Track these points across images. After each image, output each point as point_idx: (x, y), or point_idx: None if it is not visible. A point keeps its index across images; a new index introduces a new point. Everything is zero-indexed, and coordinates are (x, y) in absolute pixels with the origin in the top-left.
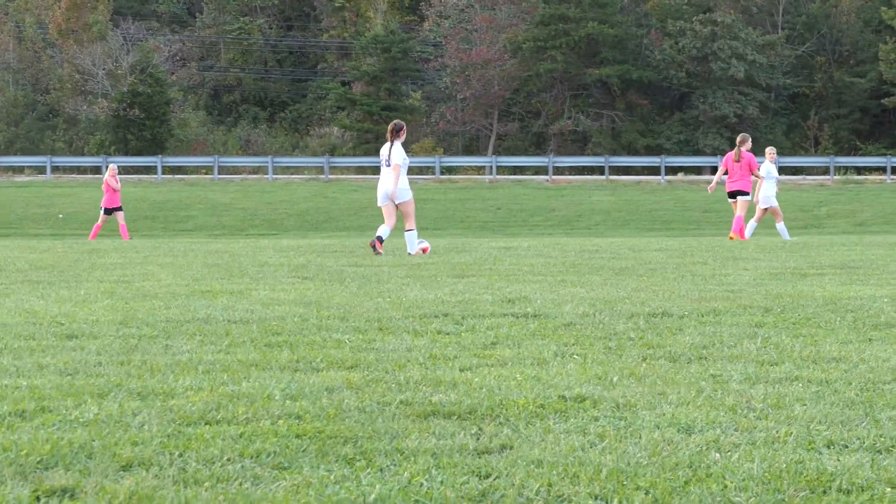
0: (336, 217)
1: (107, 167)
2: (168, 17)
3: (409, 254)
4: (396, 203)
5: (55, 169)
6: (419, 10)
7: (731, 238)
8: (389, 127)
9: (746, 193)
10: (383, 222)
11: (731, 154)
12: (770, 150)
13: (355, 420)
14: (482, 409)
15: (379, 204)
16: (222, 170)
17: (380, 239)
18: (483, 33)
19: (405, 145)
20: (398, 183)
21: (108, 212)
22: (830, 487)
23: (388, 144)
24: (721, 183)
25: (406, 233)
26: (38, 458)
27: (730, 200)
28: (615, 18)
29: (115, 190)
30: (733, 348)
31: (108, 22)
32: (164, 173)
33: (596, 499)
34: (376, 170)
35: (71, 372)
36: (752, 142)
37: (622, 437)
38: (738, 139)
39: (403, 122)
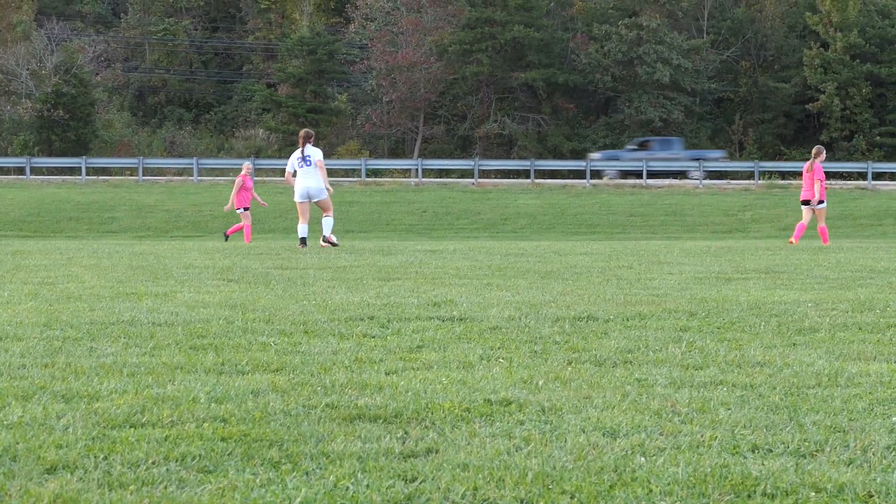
0: (262, 219)
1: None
2: (93, 17)
3: (324, 236)
4: (315, 201)
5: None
6: (345, 12)
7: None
8: (302, 133)
9: (820, 202)
10: (299, 221)
11: (807, 165)
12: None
13: (281, 423)
14: (408, 412)
15: (298, 200)
16: (147, 171)
17: (303, 241)
18: (409, 36)
19: (332, 147)
20: (319, 182)
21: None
22: (755, 492)
23: (300, 150)
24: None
25: (324, 218)
26: None
27: (802, 207)
28: (541, 22)
29: (247, 188)
30: (658, 352)
31: (32, 22)
32: (88, 174)
33: (521, 502)
34: None
35: None
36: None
37: (547, 441)
38: (814, 151)
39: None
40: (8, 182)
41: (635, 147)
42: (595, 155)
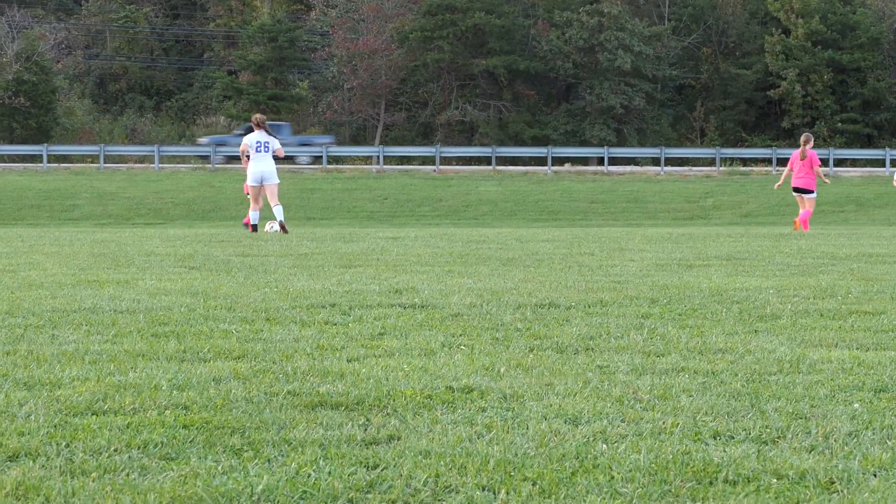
0: (223, 206)
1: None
2: (54, 4)
3: (279, 220)
4: (266, 185)
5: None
6: None
7: (795, 228)
8: (256, 118)
9: (811, 191)
10: (251, 207)
11: (798, 152)
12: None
13: (243, 410)
14: (370, 399)
15: (251, 183)
16: (108, 158)
17: (255, 227)
18: (370, 23)
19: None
20: (269, 166)
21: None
22: (717, 478)
23: (255, 133)
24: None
25: (274, 207)
26: None
27: (794, 195)
28: (502, 9)
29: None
30: (620, 339)
31: None
32: (49, 162)
33: (483, 490)
34: None
35: None
36: (638, 133)
37: (509, 428)
38: (803, 138)
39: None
40: None
41: (242, 133)
42: (203, 140)
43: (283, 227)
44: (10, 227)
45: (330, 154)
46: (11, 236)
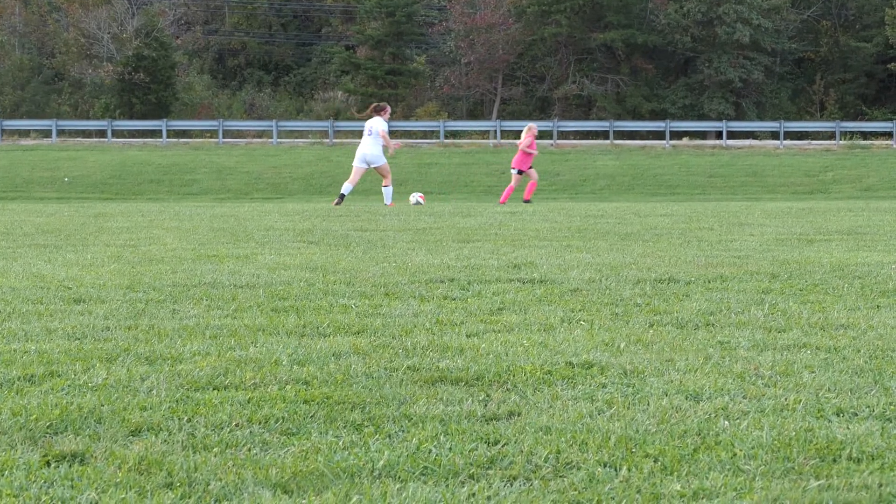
0: (340, 181)
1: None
2: None
3: (386, 205)
4: (373, 166)
5: (61, 133)
6: None
7: None
8: (372, 106)
9: None
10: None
11: None
12: None
13: (363, 386)
14: (489, 375)
15: (355, 164)
16: (227, 134)
17: (342, 197)
18: None
19: (410, 109)
20: (375, 149)
21: (521, 172)
22: (840, 456)
23: (372, 119)
24: None
25: (384, 188)
26: (48, 423)
27: None
28: None
29: (529, 152)
30: (741, 315)
31: None
32: (169, 137)
33: (604, 466)
34: None
35: (79, 336)
36: (757, 106)
37: (630, 405)
38: None
39: (386, 104)
40: (90, 145)
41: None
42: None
43: (340, 198)
44: (131, 201)
45: (447, 129)
46: (132, 211)
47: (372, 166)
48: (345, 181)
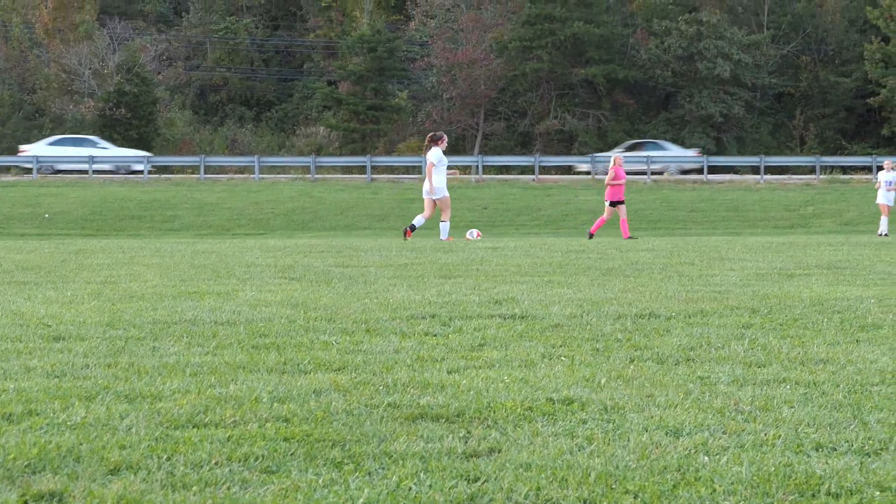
0: (322, 217)
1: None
2: (154, 16)
3: (441, 240)
4: (434, 199)
5: (42, 169)
6: (405, 9)
7: None
8: (428, 136)
9: None
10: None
11: None
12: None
13: (343, 423)
14: (470, 411)
15: (424, 196)
16: (208, 169)
17: (412, 227)
18: (469, 33)
19: (392, 145)
20: (438, 182)
21: (613, 204)
22: (819, 491)
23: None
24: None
25: (441, 223)
26: (26, 462)
27: None
28: (601, 18)
29: (619, 180)
30: (721, 350)
31: (94, 21)
32: (150, 173)
33: (585, 502)
34: (362, 169)
35: (58, 374)
36: (738, 141)
37: (610, 440)
38: None
39: (442, 133)
40: (71, 181)
41: None
42: None
43: (408, 230)
44: (112, 238)
45: None
46: (113, 247)
47: (433, 199)
48: (328, 216)
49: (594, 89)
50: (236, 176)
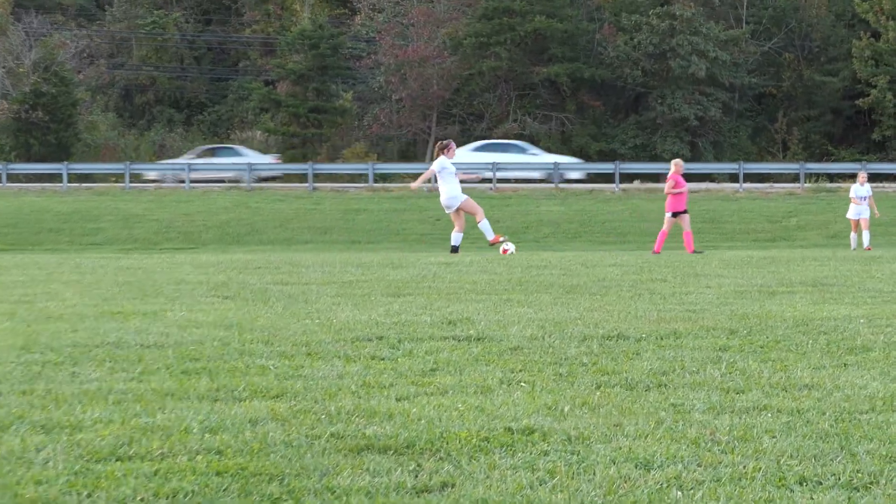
0: (260, 229)
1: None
2: (74, 10)
3: (489, 240)
4: (455, 209)
5: None
6: (350, 2)
7: None
8: (438, 145)
9: None
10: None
11: None
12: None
13: (281, 455)
14: (421, 442)
15: (447, 212)
16: (134, 178)
17: (454, 249)
18: (420, 28)
19: (336, 150)
20: (447, 192)
21: (675, 215)
22: None
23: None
24: None
25: (479, 225)
26: None
27: None
28: (564, 12)
29: (681, 189)
30: (696, 374)
31: (8, 16)
32: (70, 181)
33: None
34: (302, 178)
35: None
36: (714, 146)
37: (574, 474)
38: None
39: (451, 140)
40: None
41: None
42: None
43: (493, 242)
44: (28, 252)
45: (377, 172)
46: (28, 263)
47: (450, 211)
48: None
49: (557, 90)
50: (165, 185)
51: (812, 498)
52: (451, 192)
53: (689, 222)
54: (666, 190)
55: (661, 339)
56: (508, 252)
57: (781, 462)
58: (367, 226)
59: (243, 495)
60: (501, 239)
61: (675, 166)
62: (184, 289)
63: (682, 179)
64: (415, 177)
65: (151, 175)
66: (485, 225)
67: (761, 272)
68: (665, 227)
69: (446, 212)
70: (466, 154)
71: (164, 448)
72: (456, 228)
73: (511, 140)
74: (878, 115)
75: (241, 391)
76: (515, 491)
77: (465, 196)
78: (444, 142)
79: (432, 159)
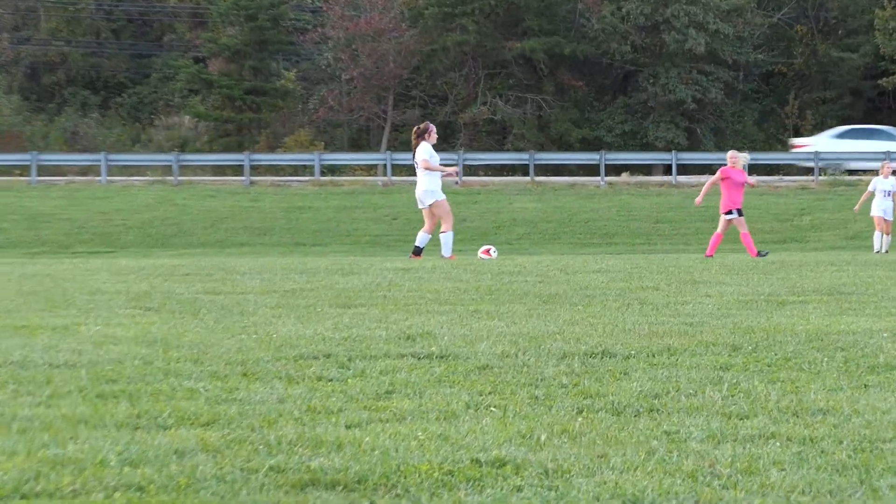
0: (188, 230)
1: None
2: None
3: (442, 256)
4: (428, 205)
5: None
6: None
7: None
8: (414, 129)
9: None
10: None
11: None
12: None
13: (213, 492)
14: (375, 476)
15: (418, 207)
16: (42, 170)
17: (417, 250)
18: None
19: (278, 138)
20: (425, 184)
21: (731, 213)
22: None
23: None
24: None
25: (441, 234)
26: None
27: None
28: None
29: (737, 183)
30: (693, 397)
31: None
32: None
33: None
34: (238, 170)
35: None
36: (715, 133)
37: None
38: None
39: (429, 123)
40: None
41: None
42: None
43: (415, 252)
44: None
45: (324, 163)
46: None
47: (426, 206)
48: (196, 229)
49: (533, 68)
50: (78, 178)
51: None
52: (428, 186)
53: (744, 223)
54: (713, 182)
55: (653, 356)
56: (491, 255)
57: (791, 498)
58: (312, 226)
59: None
60: (455, 258)
61: (732, 159)
62: (99, 299)
63: (736, 172)
64: (368, 168)
65: None
66: (448, 238)
67: (769, 279)
68: (720, 228)
69: (418, 206)
70: (827, 142)
71: (76, 484)
72: (425, 228)
73: (876, 126)
74: None
75: (166, 418)
76: None
77: (444, 196)
78: (423, 126)
79: (388, 150)
